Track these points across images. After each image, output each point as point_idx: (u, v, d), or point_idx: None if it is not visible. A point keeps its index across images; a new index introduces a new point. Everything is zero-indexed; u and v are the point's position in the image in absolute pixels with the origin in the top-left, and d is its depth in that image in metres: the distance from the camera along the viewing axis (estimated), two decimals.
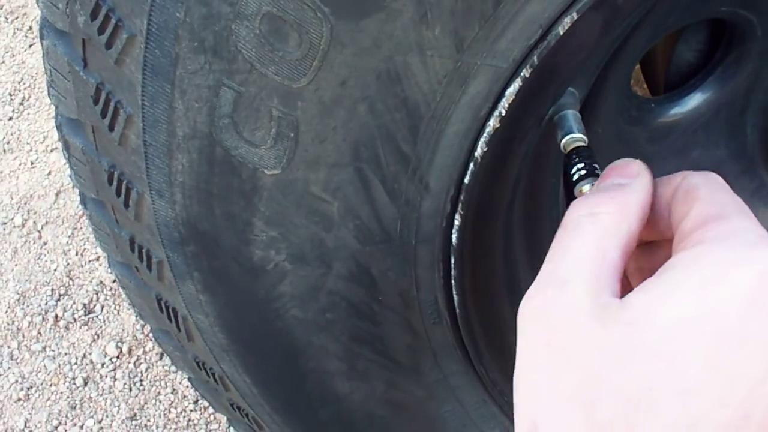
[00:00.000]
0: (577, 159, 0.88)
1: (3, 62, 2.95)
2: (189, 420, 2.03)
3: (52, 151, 2.65)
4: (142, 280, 1.13)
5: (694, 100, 1.14)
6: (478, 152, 0.87)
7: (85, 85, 0.94)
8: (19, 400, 2.09)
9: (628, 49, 1.00)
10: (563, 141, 0.92)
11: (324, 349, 1.08)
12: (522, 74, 0.82)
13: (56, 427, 2.03)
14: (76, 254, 2.35)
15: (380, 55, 0.79)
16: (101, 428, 2.03)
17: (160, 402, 2.06)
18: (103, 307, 2.23)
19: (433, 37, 0.78)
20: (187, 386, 2.05)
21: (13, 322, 2.21)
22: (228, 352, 1.12)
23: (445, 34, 0.78)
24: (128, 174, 0.98)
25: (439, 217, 0.94)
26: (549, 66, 0.84)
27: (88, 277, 2.29)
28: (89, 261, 2.33)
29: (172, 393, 2.08)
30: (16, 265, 2.34)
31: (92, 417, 2.06)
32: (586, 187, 0.85)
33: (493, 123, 0.85)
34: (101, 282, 2.27)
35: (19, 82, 2.87)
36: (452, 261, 0.98)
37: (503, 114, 0.84)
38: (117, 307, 2.22)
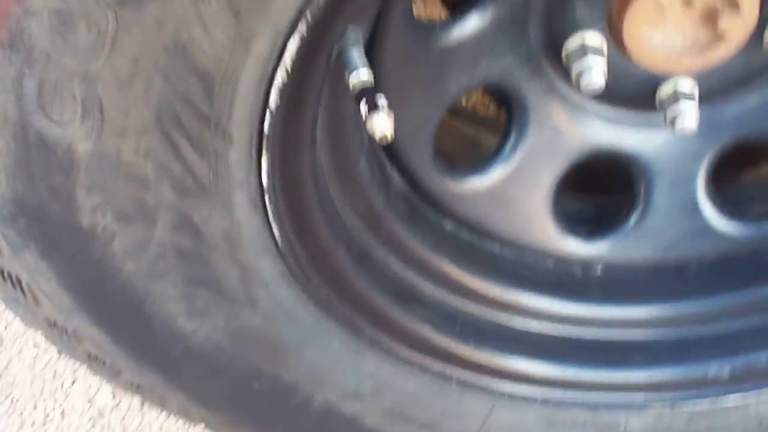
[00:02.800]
0: (362, 95, 0.98)
1: None
2: (55, 371, 2.09)
3: None
4: None
5: (473, 20, 1.24)
6: (272, 103, 0.96)
7: None
8: None
9: None
10: (349, 78, 1.02)
11: (163, 294, 1.17)
12: (299, 30, 0.91)
13: None
14: None
15: (166, 32, 0.87)
16: None
17: (23, 357, 2.11)
18: None
19: (211, 11, 0.86)
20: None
21: None
22: (75, 310, 1.20)
23: (222, 7, 0.86)
24: None
25: (247, 164, 1.03)
26: (324, 17, 0.93)
27: None
28: None
29: (33, 347, 2.13)
30: None
31: None
32: (374, 119, 0.95)
33: (280, 76, 0.94)
34: None
35: None
36: (266, 200, 1.07)
37: (288, 67, 0.93)
38: None
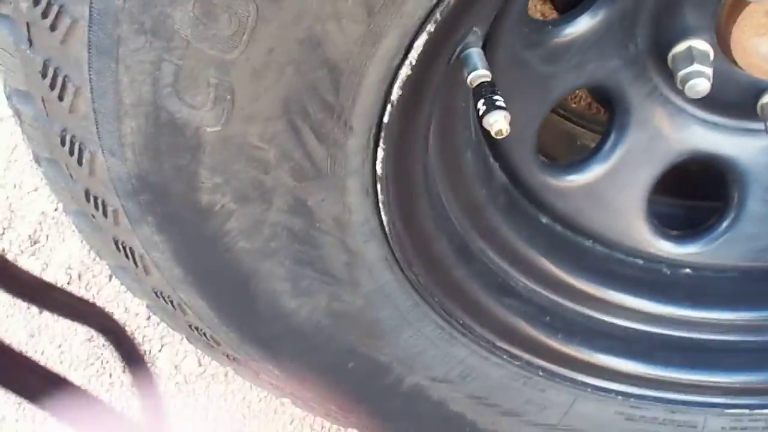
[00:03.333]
0: (481, 93, 1.01)
1: None
2: (144, 336, 2.17)
3: None
4: (98, 225, 1.24)
5: (586, 20, 1.26)
6: (394, 96, 1.00)
7: (33, 62, 1.04)
8: None
9: None
10: (469, 78, 1.05)
11: (271, 273, 1.22)
12: (427, 29, 0.95)
13: None
14: (14, 187, 2.43)
15: (302, 26, 0.91)
16: (62, 352, 2.15)
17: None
18: (48, 236, 2.33)
19: (347, 7, 0.90)
20: (138, 304, 2.17)
21: None
22: (184, 283, 1.25)
23: (357, 3, 0.90)
24: (80, 136, 1.09)
25: (364, 152, 1.06)
26: (451, 18, 0.97)
27: (29, 208, 2.38)
28: (28, 193, 2.41)
29: (124, 312, 2.20)
30: None
31: (51, 342, 2.18)
32: (492, 117, 0.99)
33: (405, 71, 0.98)
34: (43, 212, 2.36)
35: None
36: (378, 188, 1.11)
37: (413, 63, 0.97)
38: (61, 236, 2.32)
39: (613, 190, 1.44)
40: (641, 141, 1.40)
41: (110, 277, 2.22)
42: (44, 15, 0.96)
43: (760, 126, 1.36)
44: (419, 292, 1.29)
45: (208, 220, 1.12)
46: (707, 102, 1.34)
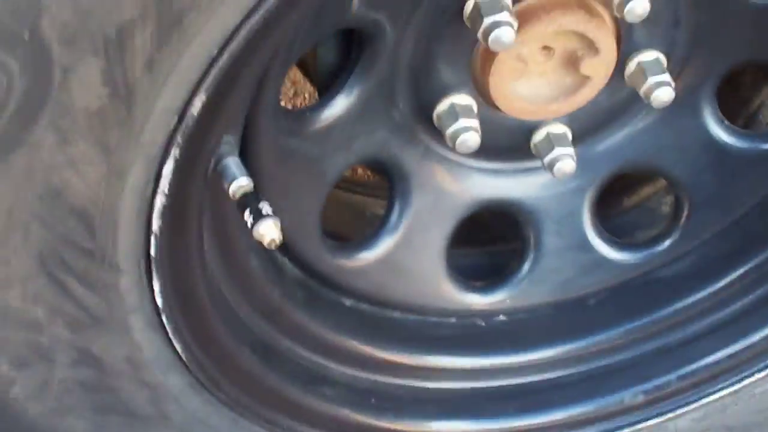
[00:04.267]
0: (246, 204, 0.98)
1: None
2: None
3: None
4: None
5: (342, 101, 1.25)
6: (155, 227, 0.96)
7: None
8: None
9: (269, 84, 1.09)
10: (230, 189, 1.02)
11: (73, 428, 1.15)
12: (173, 154, 0.91)
13: None
14: None
15: (36, 180, 0.86)
16: None
17: None
18: None
19: (81, 152, 0.85)
20: None
21: None
22: None
23: (91, 146, 0.85)
24: None
25: (139, 289, 1.02)
26: (197, 136, 0.93)
27: None
28: None
29: None
30: None
31: None
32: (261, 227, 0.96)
33: (159, 201, 0.94)
34: None
35: None
36: (164, 319, 1.06)
37: (166, 191, 0.93)
38: None
39: (409, 257, 1.44)
40: (426, 203, 1.41)
41: None
42: None
43: (537, 163, 1.38)
44: (233, 409, 1.25)
45: None
46: (483, 151, 1.35)
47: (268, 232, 1.00)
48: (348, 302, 1.45)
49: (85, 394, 1.11)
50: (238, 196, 1.01)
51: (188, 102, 0.87)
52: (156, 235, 0.97)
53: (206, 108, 0.90)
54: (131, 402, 1.15)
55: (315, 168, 1.28)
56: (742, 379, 1.51)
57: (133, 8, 0.78)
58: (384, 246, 1.41)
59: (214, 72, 0.87)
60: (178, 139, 0.90)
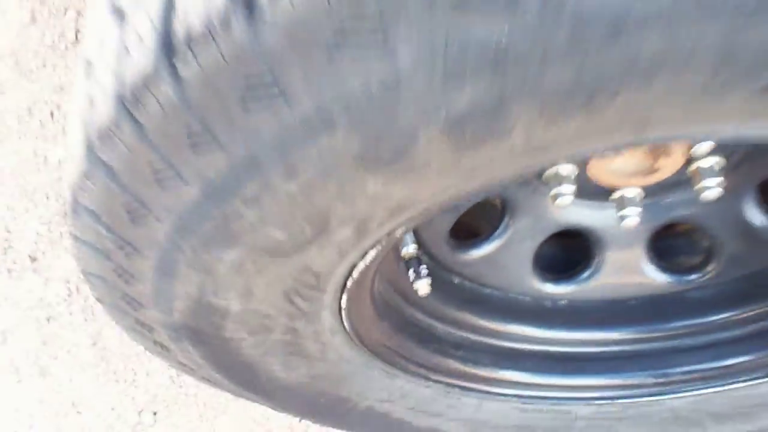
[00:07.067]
0: (409, 265, 1.54)
1: None
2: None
3: None
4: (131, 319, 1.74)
5: None
6: (354, 275, 1.51)
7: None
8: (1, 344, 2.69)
9: None
10: (402, 252, 1.57)
11: (269, 362, 1.75)
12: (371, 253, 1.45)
13: (36, 361, 2.65)
14: (8, 209, 2.86)
15: (300, 265, 1.41)
16: (72, 357, 2.66)
17: (113, 327, 2.69)
18: (44, 253, 2.79)
19: (322, 255, 1.40)
20: None
21: None
22: (203, 365, 1.77)
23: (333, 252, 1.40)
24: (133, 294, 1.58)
25: (333, 300, 1.58)
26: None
27: (25, 228, 2.83)
28: (20, 213, 2.85)
29: None
30: None
31: (62, 348, 2.68)
32: (417, 285, 1.52)
33: (360, 266, 1.48)
34: (38, 232, 2.81)
35: None
36: (342, 313, 1.63)
37: (366, 263, 1.48)
38: (57, 252, 2.79)
39: (506, 256, 1.98)
40: (527, 223, 1.94)
41: None
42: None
43: (612, 205, 1.89)
44: (371, 355, 1.84)
45: (228, 343, 1.64)
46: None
47: (422, 287, 1.56)
48: (456, 280, 2.01)
49: (284, 346, 1.69)
50: (407, 258, 1.56)
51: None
52: (352, 278, 1.53)
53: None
54: (308, 350, 1.74)
55: None
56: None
57: None
58: (490, 248, 1.96)
59: None
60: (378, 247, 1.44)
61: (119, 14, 1.11)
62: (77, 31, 3.13)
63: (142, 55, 1.06)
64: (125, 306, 1.59)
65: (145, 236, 1.33)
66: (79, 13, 3.15)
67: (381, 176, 1.16)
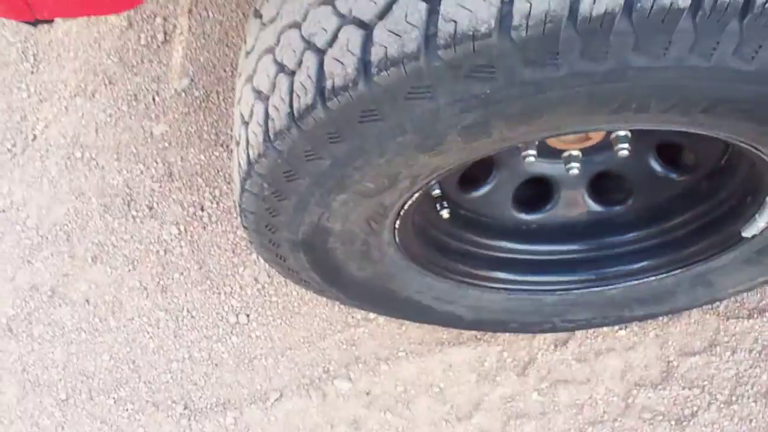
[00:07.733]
0: (436, 202, 2.59)
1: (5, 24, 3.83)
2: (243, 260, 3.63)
3: (75, 96, 3.75)
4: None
5: None
6: (402, 213, 2.54)
7: None
8: (130, 270, 3.68)
9: None
10: (432, 192, 2.61)
11: (351, 265, 2.76)
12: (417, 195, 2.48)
13: (158, 281, 3.66)
14: (127, 172, 3.84)
15: (373, 201, 2.45)
16: (184, 278, 3.66)
17: (213, 255, 3.69)
18: (158, 203, 3.77)
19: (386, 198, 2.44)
20: (228, 241, 3.66)
21: (106, 225, 3.65)
22: (309, 270, 2.81)
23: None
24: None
25: (390, 229, 2.60)
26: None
27: (142, 185, 3.80)
28: (137, 175, 3.83)
29: (216, 248, 3.70)
30: (90, 186, 3.51)
31: (176, 271, 3.69)
32: (444, 213, 2.57)
33: (407, 205, 2.50)
34: (152, 189, 3.80)
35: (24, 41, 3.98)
36: (396, 235, 2.65)
37: (411, 202, 2.50)
38: (168, 201, 3.75)
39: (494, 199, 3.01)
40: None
41: (204, 227, 3.71)
42: None
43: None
44: (418, 265, 2.82)
45: (328, 252, 2.65)
46: None
47: (444, 215, 2.60)
48: (463, 211, 3.03)
49: (360, 253, 2.58)
50: (434, 197, 2.59)
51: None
52: (404, 210, 2.53)
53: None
54: (373, 256, 2.58)
55: None
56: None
57: None
58: (484, 190, 2.97)
59: None
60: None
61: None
62: (165, 33, 4.08)
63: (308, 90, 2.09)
64: (265, 230, 2.58)
65: (293, 188, 2.33)
66: (165, 19, 4.08)
67: (427, 155, 2.17)
